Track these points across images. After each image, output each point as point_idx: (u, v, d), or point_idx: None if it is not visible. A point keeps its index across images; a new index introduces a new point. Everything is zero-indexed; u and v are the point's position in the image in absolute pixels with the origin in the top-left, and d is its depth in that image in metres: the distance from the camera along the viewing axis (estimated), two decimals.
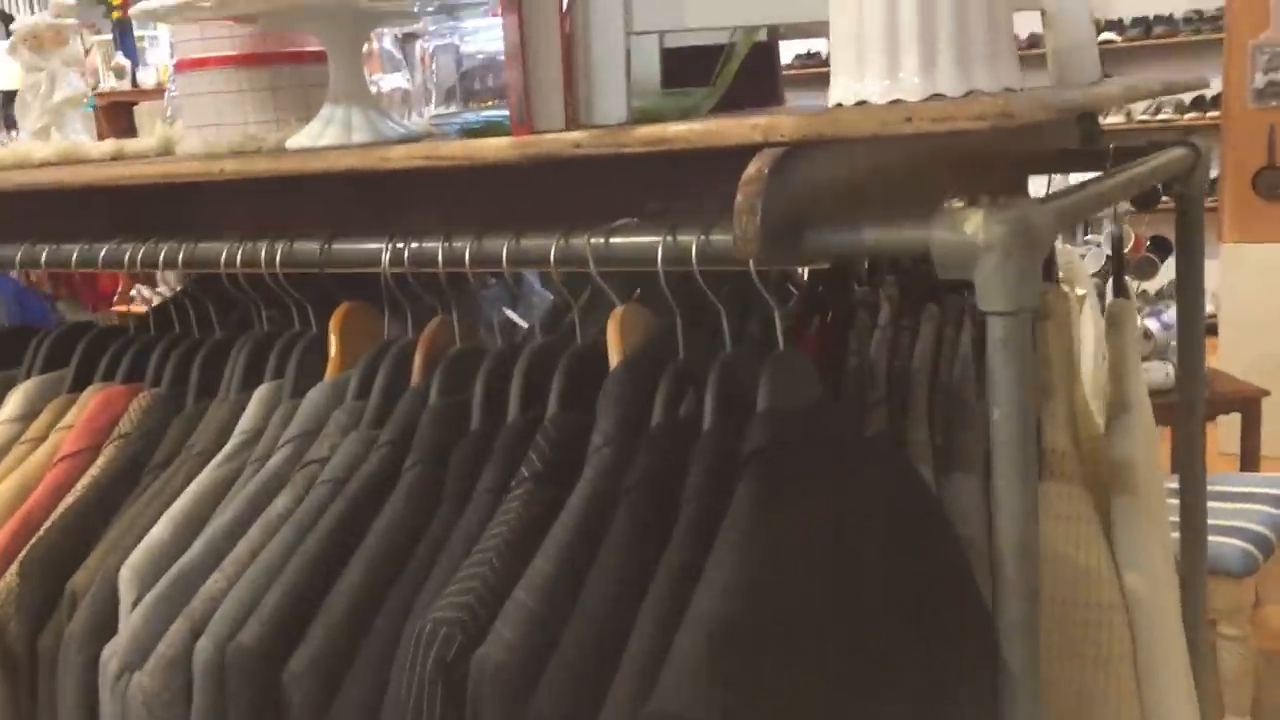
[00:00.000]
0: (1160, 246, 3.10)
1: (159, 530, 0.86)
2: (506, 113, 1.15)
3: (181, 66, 1.18)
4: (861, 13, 0.77)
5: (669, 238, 0.78)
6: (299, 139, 1.03)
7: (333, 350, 0.94)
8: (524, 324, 1.45)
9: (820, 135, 0.71)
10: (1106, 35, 5.44)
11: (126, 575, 0.83)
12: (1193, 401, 1.20)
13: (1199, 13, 5.48)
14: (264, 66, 1.14)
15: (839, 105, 0.79)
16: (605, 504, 0.73)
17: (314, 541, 0.79)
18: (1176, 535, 1.29)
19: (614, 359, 0.80)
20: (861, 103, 0.77)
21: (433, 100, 1.38)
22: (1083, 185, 0.82)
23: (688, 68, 1.11)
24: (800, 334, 1.12)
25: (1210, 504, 1.35)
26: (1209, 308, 3.69)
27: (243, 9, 0.94)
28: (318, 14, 0.97)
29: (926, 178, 0.94)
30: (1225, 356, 3.91)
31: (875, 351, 1.08)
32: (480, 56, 1.40)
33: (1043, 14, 0.87)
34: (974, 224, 0.68)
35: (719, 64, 1.08)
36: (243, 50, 1.14)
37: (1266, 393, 3.16)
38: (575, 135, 0.81)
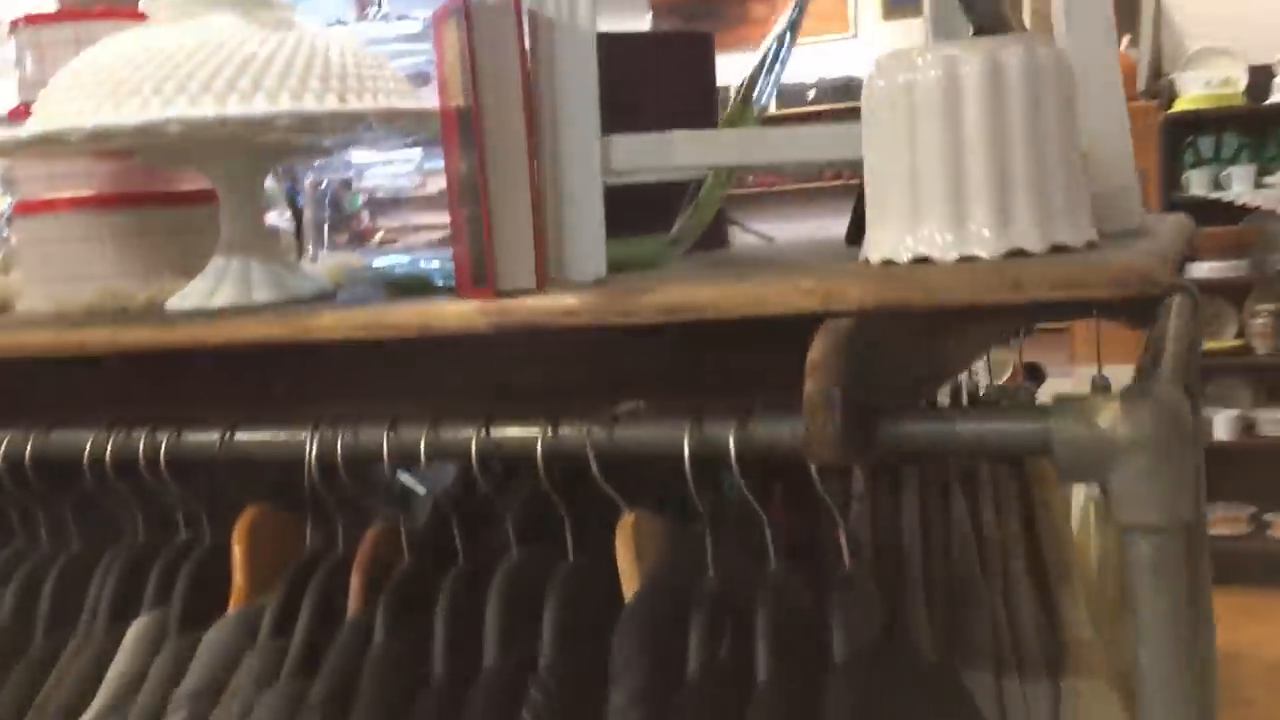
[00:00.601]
0: (1033, 374, 3.09)
1: None
2: (433, 263, 0.98)
3: (24, 209, 0.97)
4: (915, 155, 0.63)
5: (695, 429, 0.62)
6: (184, 298, 0.83)
7: (238, 571, 0.73)
8: (421, 489, 1.26)
9: (902, 304, 0.57)
10: None
11: None
12: (1198, 559, 1.09)
13: None
14: (129, 209, 0.94)
15: (888, 263, 0.65)
16: None
17: None
18: None
19: (628, 585, 0.63)
20: (922, 259, 0.63)
21: (325, 243, 1.19)
22: (1177, 350, 0.70)
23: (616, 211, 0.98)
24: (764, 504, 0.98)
25: None
26: None
27: (120, 144, 0.75)
28: (213, 148, 0.79)
29: (947, 343, 0.81)
30: None
31: (855, 525, 0.94)
32: (380, 194, 1.23)
33: (1082, 156, 0.76)
34: (1109, 415, 0.54)
35: (690, 206, 0.94)
36: (102, 189, 0.95)
37: None
38: (566, 301, 0.64)
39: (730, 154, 0.76)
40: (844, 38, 5.37)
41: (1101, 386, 1.25)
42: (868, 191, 0.68)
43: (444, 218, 1.25)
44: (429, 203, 1.21)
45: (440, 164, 1.23)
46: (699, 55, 1.08)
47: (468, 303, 0.68)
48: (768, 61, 0.87)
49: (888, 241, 0.65)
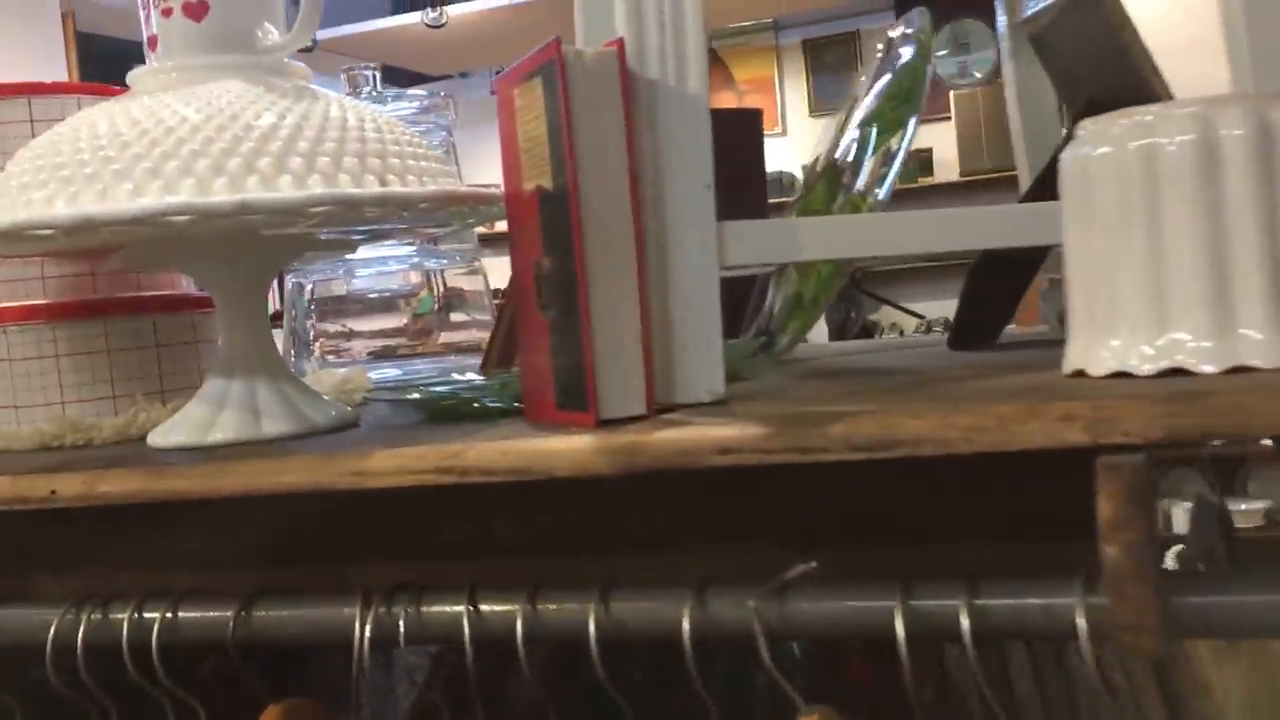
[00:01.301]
0: None
1: None
2: (467, 375, 0.82)
3: None
4: (1159, 241, 0.50)
5: (906, 604, 0.47)
6: (170, 431, 0.66)
7: None
8: None
9: (1202, 433, 0.43)
10: None
11: None
12: None
13: None
14: (89, 319, 0.77)
15: (1121, 376, 0.51)
16: None
17: None
18: None
19: None
20: (1175, 371, 0.50)
21: (313, 349, 1.03)
22: None
23: None
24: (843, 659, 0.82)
25: None
26: None
27: (104, 239, 0.58)
28: (221, 244, 0.63)
29: None
30: None
31: (957, 678, 0.79)
32: (373, 296, 1.07)
33: None
34: None
35: (766, 306, 0.80)
36: (56, 296, 0.78)
37: None
38: (718, 433, 0.49)
39: (873, 243, 0.62)
40: (773, 135, 5.38)
41: None
42: (1072, 286, 0.54)
43: (387, 323, 1.10)
44: (369, 306, 1.06)
45: (423, 261, 1.08)
46: (749, 133, 0.95)
47: (574, 437, 0.52)
48: (870, 142, 0.74)
49: (1115, 350, 0.52)
